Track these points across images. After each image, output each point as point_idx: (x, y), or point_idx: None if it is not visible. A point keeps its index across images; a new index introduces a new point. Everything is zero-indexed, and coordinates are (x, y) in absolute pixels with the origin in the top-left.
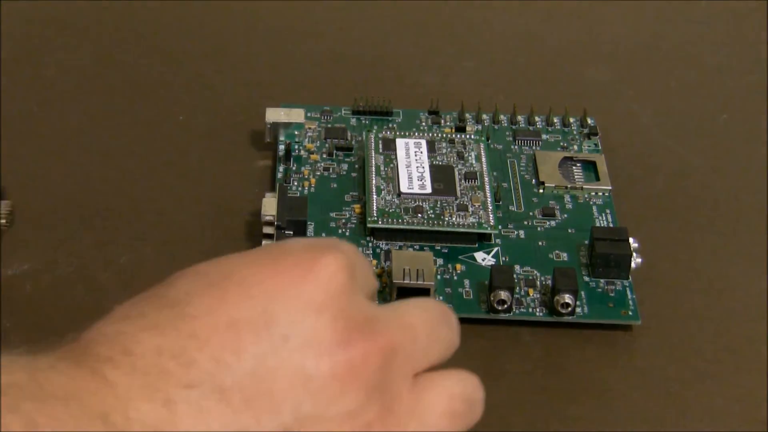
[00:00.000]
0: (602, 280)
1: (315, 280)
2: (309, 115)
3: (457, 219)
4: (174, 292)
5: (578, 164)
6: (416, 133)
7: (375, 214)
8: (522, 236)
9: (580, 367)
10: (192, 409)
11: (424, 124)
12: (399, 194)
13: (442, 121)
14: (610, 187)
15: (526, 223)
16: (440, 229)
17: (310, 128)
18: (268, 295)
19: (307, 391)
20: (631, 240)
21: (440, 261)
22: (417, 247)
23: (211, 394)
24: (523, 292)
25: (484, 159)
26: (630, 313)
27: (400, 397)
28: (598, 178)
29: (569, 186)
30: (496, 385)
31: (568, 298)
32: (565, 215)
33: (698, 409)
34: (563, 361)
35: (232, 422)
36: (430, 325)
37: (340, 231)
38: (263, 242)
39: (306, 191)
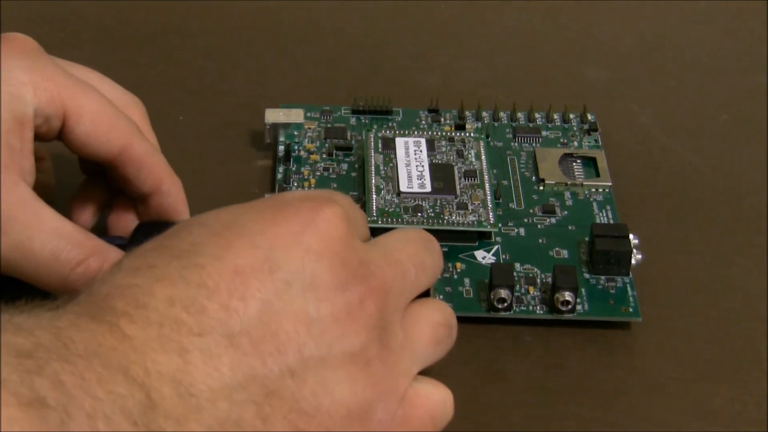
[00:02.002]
0: (602, 277)
1: (314, 228)
2: (308, 115)
3: (457, 217)
4: (179, 243)
5: (578, 161)
6: (416, 132)
7: (375, 214)
8: (522, 234)
9: (580, 366)
10: (204, 356)
11: (424, 122)
12: (399, 193)
13: (442, 120)
14: (610, 184)
15: (526, 220)
16: (440, 227)
17: (309, 128)
18: (270, 243)
19: (309, 333)
20: (631, 236)
21: None
22: None
23: (221, 340)
24: (523, 290)
25: (483, 157)
26: (630, 310)
27: (395, 332)
28: (598, 175)
29: (569, 182)
30: (496, 385)
31: (568, 295)
32: (566, 212)
33: (698, 409)
34: (563, 360)
35: (241, 365)
36: (416, 256)
37: None
38: None
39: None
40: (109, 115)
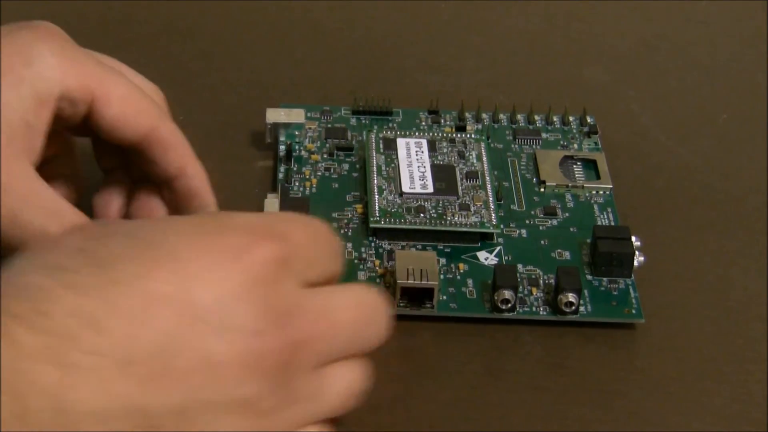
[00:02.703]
0: (605, 279)
1: (241, 267)
2: (309, 115)
3: (460, 218)
4: (100, 250)
5: (578, 163)
6: (416, 133)
7: (377, 214)
8: (524, 235)
9: (581, 366)
10: (91, 377)
11: (424, 123)
12: (401, 194)
13: (442, 121)
14: (611, 186)
15: (527, 222)
16: (443, 228)
17: (310, 128)
18: (192, 273)
19: (211, 375)
20: (633, 238)
21: (443, 261)
22: (419, 246)
23: (113, 364)
24: (526, 292)
25: (485, 158)
26: (633, 311)
27: (300, 389)
28: (598, 177)
29: (570, 185)
30: (497, 385)
31: (571, 297)
32: (567, 214)
33: (698, 409)
34: (564, 360)
35: (128, 394)
36: (357, 324)
37: (342, 231)
38: None
39: (307, 192)
40: (136, 98)
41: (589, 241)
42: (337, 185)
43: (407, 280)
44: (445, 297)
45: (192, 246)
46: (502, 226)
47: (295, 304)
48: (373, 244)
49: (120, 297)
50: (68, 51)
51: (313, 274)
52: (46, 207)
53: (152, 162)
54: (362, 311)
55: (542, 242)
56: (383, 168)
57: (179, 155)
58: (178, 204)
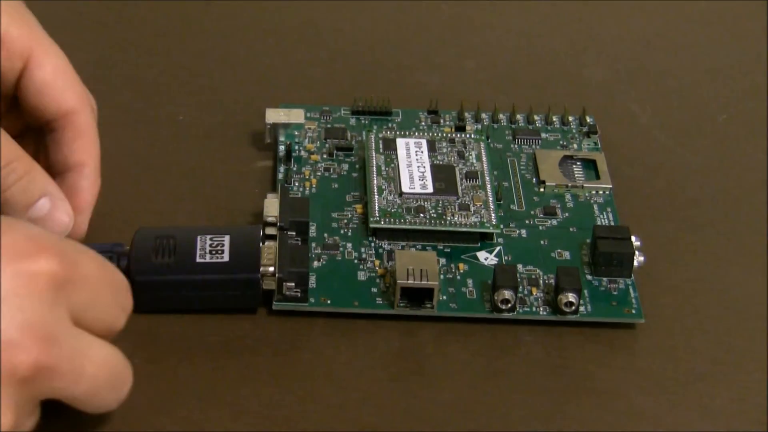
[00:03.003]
0: (605, 279)
1: (20, 271)
2: (308, 115)
3: (459, 218)
4: None
5: (578, 163)
6: (416, 133)
7: (377, 214)
8: (524, 235)
9: (581, 366)
10: None
11: (423, 123)
12: (401, 194)
13: (441, 121)
14: (610, 186)
15: (527, 222)
16: (443, 228)
17: (309, 128)
18: None
19: None
20: (633, 238)
21: (443, 261)
22: (419, 246)
23: None
24: (526, 292)
25: (484, 158)
26: (633, 311)
27: (23, 413)
28: (598, 177)
29: (570, 185)
30: (497, 385)
31: (571, 297)
32: (567, 214)
33: (698, 409)
34: (564, 360)
35: None
36: (97, 382)
37: (342, 231)
38: (266, 243)
39: (307, 192)
40: (69, 74)
41: (588, 241)
42: (336, 185)
43: (407, 280)
44: (445, 297)
45: None
46: (501, 226)
47: (54, 333)
48: (372, 245)
49: None
50: (18, 7)
51: (88, 317)
52: None
53: (57, 145)
54: (109, 375)
55: (542, 242)
56: (383, 168)
57: (85, 149)
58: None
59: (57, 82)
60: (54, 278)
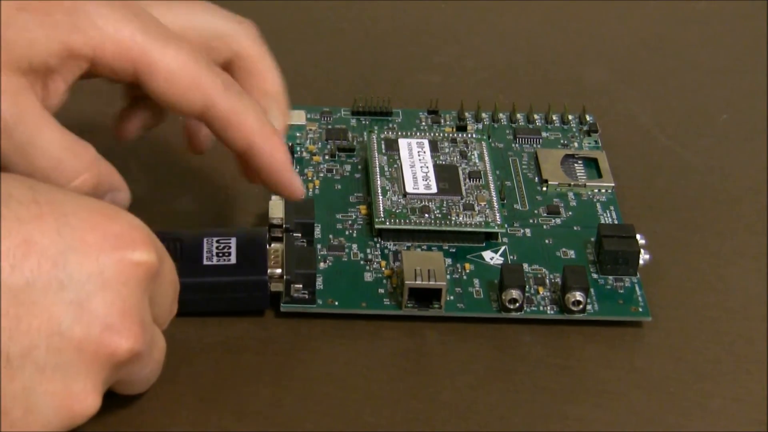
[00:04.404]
0: (611, 277)
1: (120, 258)
2: (308, 116)
3: (464, 218)
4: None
5: (580, 161)
6: (417, 133)
7: (382, 215)
8: (528, 234)
9: (581, 366)
10: None
11: (424, 123)
12: (405, 194)
13: (442, 121)
14: (613, 184)
15: (531, 221)
16: (448, 228)
17: (310, 129)
18: (73, 240)
19: (48, 341)
20: (638, 236)
21: (448, 261)
22: (425, 247)
23: None
24: (532, 291)
25: (487, 158)
26: (640, 309)
27: (99, 389)
28: (600, 175)
29: (572, 183)
30: (504, 385)
31: (579, 295)
32: (570, 213)
33: (698, 409)
34: (575, 360)
35: None
36: (157, 367)
37: (347, 232)
38: (272, 245)
39: (310, 193)
40: (188, 73)
41: (593, 239)
42: (339, 186)
43: (415, 280)
44: (452, 297)
45: (81, 217)
46: (506, 225)
47: (146, 321)
48: (378, 245)
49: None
50: (122, 12)
51: (158, 311)
52: (58, 138)
53: (215, 132)
54: (161, 361)
55: (546, 241)
56: (386, 169)
57: (241, 134)
58: (260, 176)
59: (173, 89)
60: (150, 270)
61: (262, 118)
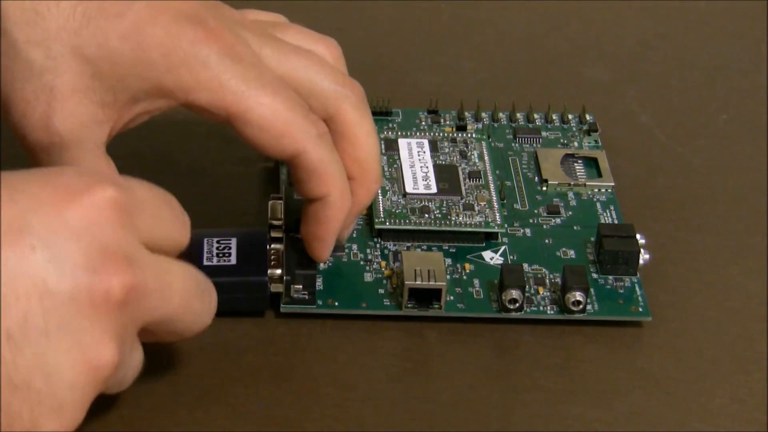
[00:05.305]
0: (611, 277)
1: (79, 205)
2: None
3: (464, 218)
4: None
5: (580, 161)
6: (416, 133)
7: (382, 215)
8: (528, 234)
9: (582, 366)
10: None
11: (423, 123)
12: (404, 195)
13: (442, 120)
14: (613, 184)
15: (531, 221)
16: (448, 228)
17: None
18: (30, 204)
19: (41, 304)
20: (638, 236)
21: (448, 261)
22: (425, 247)
23: None
24: (532, 291)
25: (486, 157)
26: (640, 309)
27: (124, 343)
28: (600, 175)
29: (572, 183)
30: (504, 385)
31: (579, 295)
32: (570, 212)
33: (698, 409)
34: (575, 361)
35: None
36: (187, 294)
37: None
38: (272, 245)
39: None
40: (281, 121)
41: (593, 239)
42: None
43: (415, 281)
44: (452, 297)
45: (28, 180)
46: (506, 225)
47: (133, 255)
48: (378, 245)
49: None
50: (222, 56)
51: (156, 236)
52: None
53: (295, 180)
54: (191, 283)
55: (546, 241)
56: (386, 169)
57: (322, 183)
58: (310, 219)
59: (267, 136)
60: (116, 204)
61: (345, 178)
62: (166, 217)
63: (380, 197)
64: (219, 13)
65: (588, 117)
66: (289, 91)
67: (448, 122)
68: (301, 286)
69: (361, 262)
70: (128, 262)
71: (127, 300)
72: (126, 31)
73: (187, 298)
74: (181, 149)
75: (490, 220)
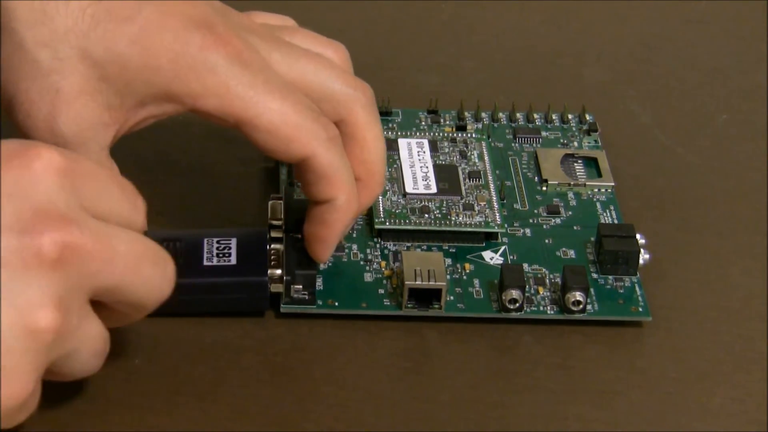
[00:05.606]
0: (611, 277)
1: (13, 166)
2: None
3: (464, 218)
4: None
5: (579, 161)
6: (416, 133)
7: (382, 215)
8: (528, 234)
9: (582, 366)
10: None
11: (423, 123)
12: (404, 195)
13: (442, 120)
14: (613, 184)
15: (531, 221)
16: (448, 229)
17: None
18: None
19: None
20: (638, 236)
21: (448, 261)
22: (424, 247)
23: None
24: (532, 291)
25: (486, 157)
26: (640, 309)
27: (68, 308)
28: (599, 175)
29: (572, 183)
30: (504, 385)
31: (579, 295)
32: (570, 212)
33: (698, 409)
34: (575, 361)
35: None
36: (134, 258)
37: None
38: (272, 245)
39: None
40: (290, 126)
41: (593, 239)
42: None
43: (415, 281)
44: (452, 297)
45: None
46: (506, 225)
47: (70, 215)
48: (378, 245)
49: None
50: (231, 63)
51: (102, 207)
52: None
53: (303, 182)
54: (145, 251)
55: (546, 241)
56: (386, 169)
57: (331, 187)
58: (315, 221)
59: (275, 141)
60: (56, 168)
61: (353, 182)
62: (114, 192)
63: (380, 197)
64: (228, 18)
65: (588, 117)
66: (299, 94)
67: (447, 122)
68: (301, 286)
69: (361, 262)
70: (63, 221)
71: (63, 259)
72: (135, 36)
73: (134, 261)
74: (181, 149)
75: (490, 220)
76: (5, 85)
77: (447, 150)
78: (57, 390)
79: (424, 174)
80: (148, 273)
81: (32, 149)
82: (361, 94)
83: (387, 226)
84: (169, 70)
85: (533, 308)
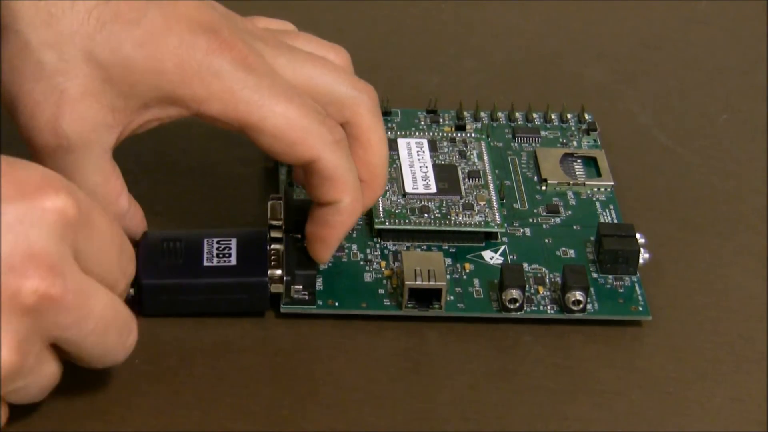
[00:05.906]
0: (610, 277)
1: (28, 202)
2: None
3: (464, 218)
4: None
5: (579, 160)
6: (416, 133)
7: (381, 215)
8: (528, 234)
9: (582, 366)
10: None
11: (423, 123)
12: (404, 194)
13: (441, 120)
14: (612, 183)
15: (531, 220)
16: (447, 228)
17: None
18: None
19: None
20: (638, 235)
21: (448, 261)
22: (424, 247)
23: None
24: (532, 290)
25: (486, 157)
26: (640, 308)
27: (27, 351)
28: (599, 174)
29: (572, 182)
30: (504, 385)
31: (579, 295)
32: (570, 212)
33: (698, 409)
34: (575, 360)
35: None
36: (105, 323)
37: None
38: (272, 246)
39: None
40: (295, 129)
41: (593, 238)
42: None
43: (415, 281)
44: (452, 297)
45: None
46: (506, 225)
47: (60, 267)
48: (378, 245)
49: None
50: (236, 68)
51: (91, 268)
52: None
53: (308, 184)
54: (116, 319)
55: (546, 240)
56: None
57: (336, 190)
58: (318, 222)
59: (281, 145)
60: (64, 216)
61: (359, 184)
62: (109, 256)
63: (380, 197)
64: (233, 23)
65: (587, 116)
66: (304, 98)
67: (447, 122)
68: (301, 287)
69: (361, 262)
70: (51, 271)
71: (39, 308)
72: (140, 39)
73: (103, 327)
74: (181, 150)
75: (489, 219)
76: (8, 87)
77: (446, 150)
78: (57, 390)
79: (424, 174)
80: (112, 340)
81: (52, 185)
82: (366, 97)
83: (387, 226)
84: (174, 74)
85: (533, 308)
